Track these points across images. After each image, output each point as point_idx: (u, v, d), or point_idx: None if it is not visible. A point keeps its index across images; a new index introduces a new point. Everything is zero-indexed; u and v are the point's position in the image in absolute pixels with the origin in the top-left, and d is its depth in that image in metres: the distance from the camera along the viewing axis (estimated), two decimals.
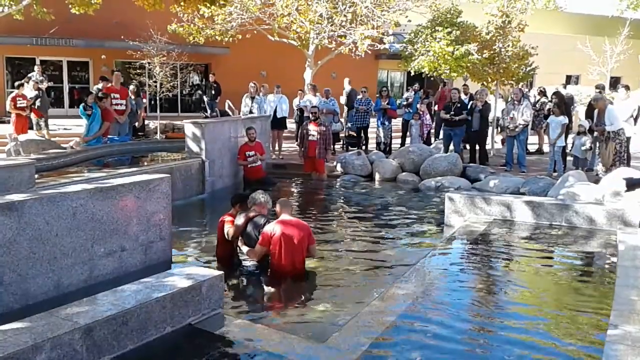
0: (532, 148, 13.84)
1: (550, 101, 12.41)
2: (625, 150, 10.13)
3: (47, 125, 13.89)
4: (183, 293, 3.76)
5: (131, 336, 3.42)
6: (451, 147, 12.51)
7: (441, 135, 14.14)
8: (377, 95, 14.36)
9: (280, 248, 5.44)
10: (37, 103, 13.50)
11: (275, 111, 13.45)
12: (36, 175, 7.57)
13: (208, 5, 12.19)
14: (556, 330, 3.97)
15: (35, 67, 16.42)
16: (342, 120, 14.96)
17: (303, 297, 5.28)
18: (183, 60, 16.18)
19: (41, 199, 4.39)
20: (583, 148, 10.95)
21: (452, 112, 12.34)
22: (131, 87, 13.55)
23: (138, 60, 15.43)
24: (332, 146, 12.98)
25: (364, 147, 13.93)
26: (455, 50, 12.97)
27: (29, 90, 13.71)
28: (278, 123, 13.51)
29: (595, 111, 10.48)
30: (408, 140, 14.19)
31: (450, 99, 12.79)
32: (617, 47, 21.99)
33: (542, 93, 13.97)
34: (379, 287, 5.27)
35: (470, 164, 11.49)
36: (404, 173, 11.28)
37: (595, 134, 10.54)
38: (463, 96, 13.43)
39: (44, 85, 14.75)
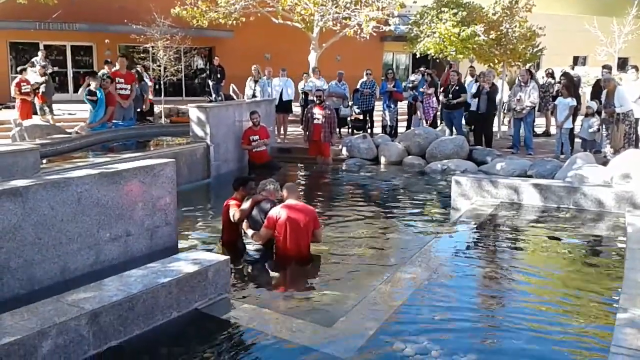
0: (539, 130, 13.73)
1: (559, 82, 12.28)
2: (634, 132, 10.04)
3: (51, 110, 13.86)
4: (189, 278, 3.74)
5: (137, 321, 3.41)
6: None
7: None
8: (383, 78, 14.25)
9: (285, 232, 5.42)
10: (42, 88, 13.47)
11: (280, 95, 13.38)
12: (44, 161, 7.59)
13: None
14: (564, 315, 3.94)
15: (39, 52, 16.36)
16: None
17: (309, 282, 5.27)
18: (187, 44, 16.08)
19: (46, 185, 4.37)
20: (591, 130, 10.84)
21: (449, 96, 12.25)
22: (132, 71, 13.46)
23: (141, 44, 15.34)
24: (337, 130, 12.90)
25: (369, 131, 13.85)
26: (461, 31, 12.83)
27: (34, 75, 13.66)
28: (283, 107, 13.44)
29: (604, 92, 10.38)
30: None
31: (450, 81, 12.68)
32: (625, 27, 21.68)
33: (550, 74, 13.82)
34: (386, 271, 5.25)
35: (477, 147, 11.41)
36: (409, 156, 11.23)
37: (604, 115, 10.43)
38: (469, 78, 13.30)
39: (48, 70, 14.70)
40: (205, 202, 8.84)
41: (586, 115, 11.07)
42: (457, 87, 12.29)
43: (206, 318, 3.75)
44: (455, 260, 5.09)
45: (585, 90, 15.21)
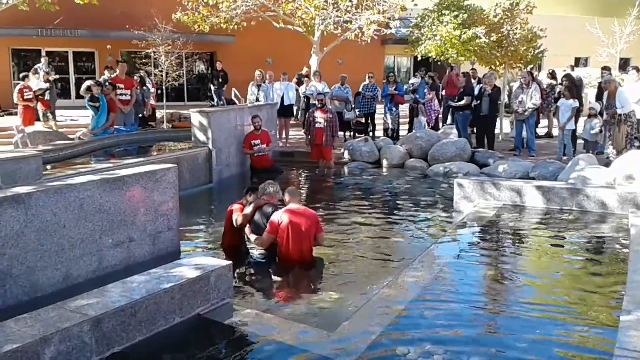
0: (541, 132, 13.70)
1: (561, 84, 12.27)
2: (636, 133, 10.02)
3: (54, 116, 13.90)
4: (192, 283, 3.74)
5: (140, 328, 3.41)
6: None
7: (449, 121, 14.03)
8: (384, 81, 14.25)
9: (288, 236, 5.41)
10: (47, 95, 13.51)
11: (282, 99, 13.38)
12: (48, 167, 7.61)
13: None
14: (568, 317, 3.92)
15: (42, 59, 16.40)
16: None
17: (312, 286, 5.27)
18: (188, 49, 16.11)
19: (48, 191, 4.38)
20: (593, 132, 10.82)
21: (455, 98, 12.32)
22: (135, 77, 13.50)
23: (144, 50, 15.37)
24: (339, 133, 12.86)
25: (371, 134, 13.84)
26: (462, 34, 12.82)
27: (37, 82, 13.70)
28: (285, 111, 13.44)
29: (606, 93, 10.36)
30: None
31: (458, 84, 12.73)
32: (626, 28, 21.66)
33: (552, 76, 13.80)
34: (389, 274, 5.23)
35: (479, 149, 11.39)
36: (412, 159, 11.21)
37: (606, 116, 10.41)
38: (472, 81, 13.28)
39: (52, 77, 14.75)
40: (207, 207, 8.84)
41: (589, 116, 11.05)
42: (461, 90, 12.31)
43: (209, 324, 3.74)
44: (459, 264, 5.08)
45: (588, 92, 15.19)
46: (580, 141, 11.30)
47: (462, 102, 12.13)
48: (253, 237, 5.77)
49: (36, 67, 15.76)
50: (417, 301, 4.12)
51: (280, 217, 5.49)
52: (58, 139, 10.34)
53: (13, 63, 20.33)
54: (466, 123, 12.44)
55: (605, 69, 12.81)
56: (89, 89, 11.01)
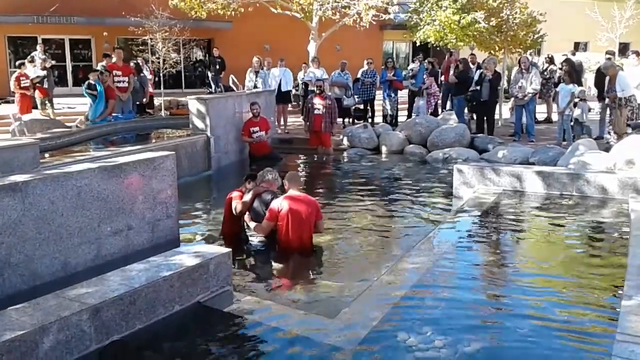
0: (540, 117, 13.65)
1: (561, 69, 12.21)
2: (636, 117, 9.99)
3: (52, 104, 13.82)
4: (191, 271, 3.72)
5: (139, 316, 3.39)
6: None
7: (448, 106, 13.98)
8: (383, 67, 14.17)
9: (287, 223, 5.39)
10: (45, 83, 13.42)
11: (279, 85, 13.31)
12: (46, 155, 7.56)
13: None
14: (569, 302, 3.92)
15: (38, 46, 16.28)
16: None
17: (312, 273, 5.26)
18: (185, 36, 15.99)
19: (45, 179, 4.34)
20: (577, 113, 10.79)
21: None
22: (131, 64, 13.39)
23: (140, 36, 15.25)
24: (337, 119, 12.80)
25: (370, 120, 13.79)
26: (461, 19, 12.73)
27: (34, 70, 13.60)
28: (283, 97, 13.37)
29: (607, 78, 10.30)
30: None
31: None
32: (625, 12, 21.53)
33: (550, 61, 13.73)
34: (388, 261, 5.23)
35: (478, 135, 11.35)
36: (411, 145, 11.17)
37: (607, 101, 10.37)
38: (471, 66, 13.22)
39: (48, 64, 14.64)
40: (206, 195, 8.82)
41: (581, 99, 10.99)
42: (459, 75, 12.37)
43: (208, 311, 3.73)
44: (459, 249, 5.07)
45: (587, 77, 15.12)
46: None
47: (453, 78, 12.25)
48: (252, 225, 5.75)
49: (32, 54, 15.65)
50: (417, 287, 4.11)
51: (280, 204, 5.47)
52: (55, 127, 10.28)
53: (9, 51, 20.18)
54: (462, 108, 12.42)
55: (609, 52, 12.73)
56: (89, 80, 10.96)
